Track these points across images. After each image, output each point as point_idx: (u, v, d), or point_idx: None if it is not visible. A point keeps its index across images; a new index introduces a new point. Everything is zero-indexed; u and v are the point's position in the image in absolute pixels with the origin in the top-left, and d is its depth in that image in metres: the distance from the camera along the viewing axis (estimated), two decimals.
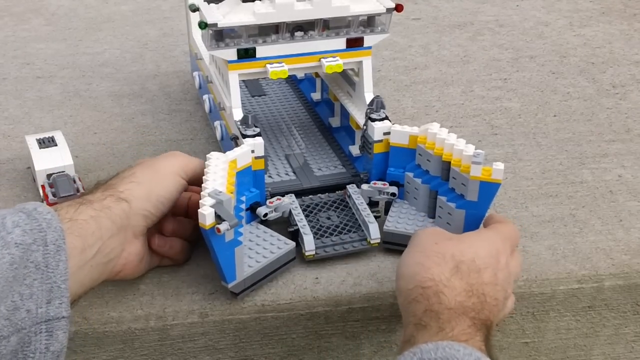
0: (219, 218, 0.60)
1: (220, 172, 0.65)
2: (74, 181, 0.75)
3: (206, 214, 0.59)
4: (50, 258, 0.56)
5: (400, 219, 0.73)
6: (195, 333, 0.66)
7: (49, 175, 0.76)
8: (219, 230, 0.60)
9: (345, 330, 0.69)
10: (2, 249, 0.54)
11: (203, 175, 0.66)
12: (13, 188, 0.82)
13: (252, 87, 0.98)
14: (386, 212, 0.74)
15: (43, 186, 0.76)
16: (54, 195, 0.74)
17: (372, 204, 0.74)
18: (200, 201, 0.61)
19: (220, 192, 0.61)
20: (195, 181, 0.69)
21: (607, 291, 0.71)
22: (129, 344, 0.66)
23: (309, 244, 0.69)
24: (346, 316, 0.68)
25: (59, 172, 0.76)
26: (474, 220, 0.68)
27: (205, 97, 0.89)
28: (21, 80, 1.06)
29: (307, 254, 0.69)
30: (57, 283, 0.56)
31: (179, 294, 0.68)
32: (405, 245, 0.70)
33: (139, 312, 0.66)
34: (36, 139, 0.80)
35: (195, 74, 0.96)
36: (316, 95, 0.93)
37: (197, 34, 0.92)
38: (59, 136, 0.81)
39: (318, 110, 0.92)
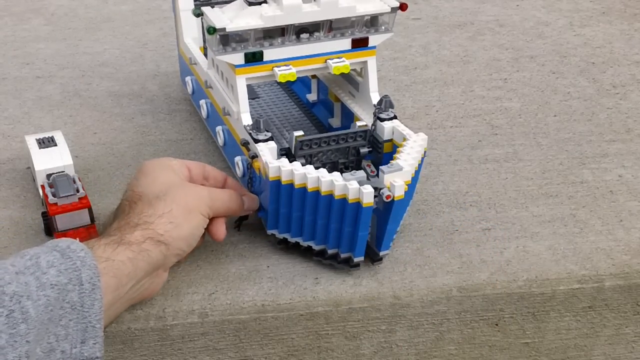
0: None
1: (309, 168, 0.66)
2: (74, 181, 0.75)
3: (367, 192, 0.63)
4: (86, 297, 0.56)
5: None
6: (195, 333, 0.66)
7: (48, 175, 0.76)
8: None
9: (345, 330, 0.69)
10: (38, 290, 0.53)
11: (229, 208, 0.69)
12: (13, 188, 0.82)
13: None
14: None
15: (43, 186, 0.76)
16: (53, 195, 0.74)
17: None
18: (350, 190, 0.63)
19: (352, 172, 0.65)
20: (219, 214, 0.69)
21: (608, 291, 0.71)
22: (129, 344, 0.66)
23: (298, 131, 0.71)
24: (346, 316, 0.68)
25: (59, 172, 0.76)
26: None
27: (202, 102, 0.87)
28: (21, 80, 1.06)
29: (296, 134, 0.70)
30: (92, 323, 0.56)
31: (178, 294, 0.67)
32: None
33: (138, 312, 0.66)
34: (36, 139, 0.80)
35: (188, 79, 0.94)
36: (312, 97, 0.93)
37: (188, 38, 0.92)
38: (58, 136, 0.80)
39: (315, 111, 0.91)
